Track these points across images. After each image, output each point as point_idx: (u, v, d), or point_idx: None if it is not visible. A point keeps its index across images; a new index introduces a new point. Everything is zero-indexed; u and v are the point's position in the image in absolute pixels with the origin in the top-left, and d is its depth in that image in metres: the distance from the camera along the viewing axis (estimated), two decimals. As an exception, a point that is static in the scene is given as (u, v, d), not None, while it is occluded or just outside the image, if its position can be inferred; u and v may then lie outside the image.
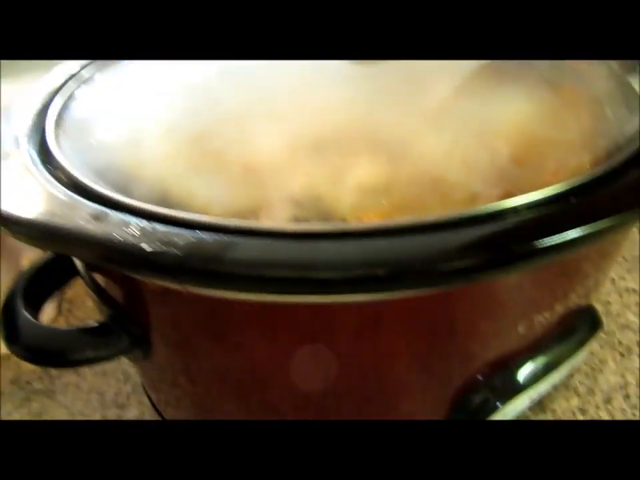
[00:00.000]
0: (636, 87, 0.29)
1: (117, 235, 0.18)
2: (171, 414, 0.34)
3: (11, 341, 0.24)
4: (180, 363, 0.26)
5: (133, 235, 0.18)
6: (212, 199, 0.23)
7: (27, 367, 0.40)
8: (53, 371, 0.39)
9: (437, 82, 0.28)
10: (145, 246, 0.18)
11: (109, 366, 0.40)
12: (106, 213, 0.20)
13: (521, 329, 0.25)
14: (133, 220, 0.19)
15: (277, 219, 0.21)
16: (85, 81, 0.28)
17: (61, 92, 0.27)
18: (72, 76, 0.28)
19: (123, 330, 0.24)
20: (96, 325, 0.25)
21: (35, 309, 0.26)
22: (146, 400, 0.37)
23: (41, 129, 0.25)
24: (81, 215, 0.20)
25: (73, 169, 0.23)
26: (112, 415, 0.37)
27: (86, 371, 0.39)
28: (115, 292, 0.24)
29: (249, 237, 0.18)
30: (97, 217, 0.19)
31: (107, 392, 0.38)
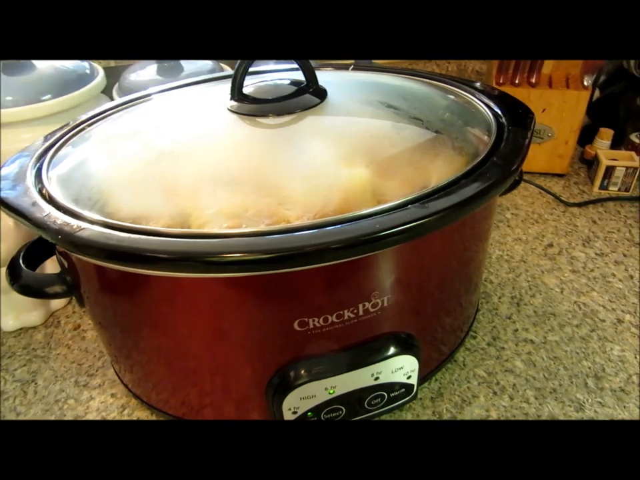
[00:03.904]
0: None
1: (52, 224, 0.31)
2: (127, 378, 0.45)
3: (12, 282, 0.38)
4: (98, 311, 0.39)
5: (57, 224, 0.31)
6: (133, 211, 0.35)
7: (36, 338, 0.53)
8: (52, 344, 0.53)
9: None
10: (73, 233, 0.30)
11: (90, 346, 0.52)
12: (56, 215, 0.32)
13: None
14: (65, 216, 0.32)
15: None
16: (68, 139, 0.42)
17: (53, 147, 0.41)
18: (63, 134, 0.43)
19: (67, 280, 0.38)
20: (57, 274, 0.39)
21: (32, 263, 0.40)
22: (109, 372, 0.49)
23: (39, 167, 0.39)
24: (41, 213, 0.32)
25: (49, 188, 0.36)
26: (82, 380, 0.49)
27: (74, 348, 0.52)
28: (62, 258, 0.37)
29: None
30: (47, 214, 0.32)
31: (84, 364, 0.50)
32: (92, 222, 0.31)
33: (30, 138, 0.56)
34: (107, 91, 0.64)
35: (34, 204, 0.33)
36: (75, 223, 0.31)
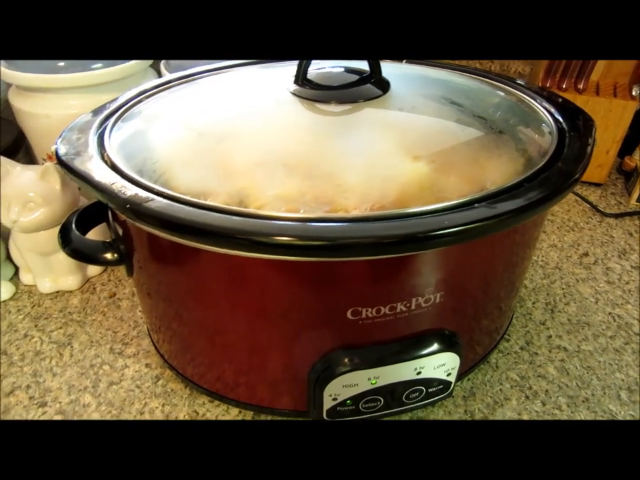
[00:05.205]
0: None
1: (120, 193, 0.31)
2: (165, 348, 0.46)
3: (64, 245, 0.38)
4: (149, 280, 0.39)
5: (126, 194, 0.31)
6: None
7: (72, 302, 0.54)
8: (88, 310, 0.53)
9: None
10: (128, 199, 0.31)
11: (125, 315, 0.53)
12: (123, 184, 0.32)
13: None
14: (132, 186, 0.32)
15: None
16: (127, 110, 0.43)
17: (112, 117, 0.41)
18: (121, 105, 0.43)
19: (120, 248, 0.39)
20: (109, 242, 0.40)
21: (82, 229, 0.40)
22: (143, 343, 0.50)
23: (101, 135, 0.39)
24: (108, 181, 0.33)
25: (113, 157, 0.36)
26: (117, 348, 0.49)
27: (109, 315, 0.53)
28: (118, 227, 0.38)
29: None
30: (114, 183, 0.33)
31: (119, 332, 0.51)
32: (158, 194, 0.32)
33: (77, 105, 0.56)
34: (155, 65, 0.65)
35: (99, 171, 0.34)
36: (143, 193, 0.31)
